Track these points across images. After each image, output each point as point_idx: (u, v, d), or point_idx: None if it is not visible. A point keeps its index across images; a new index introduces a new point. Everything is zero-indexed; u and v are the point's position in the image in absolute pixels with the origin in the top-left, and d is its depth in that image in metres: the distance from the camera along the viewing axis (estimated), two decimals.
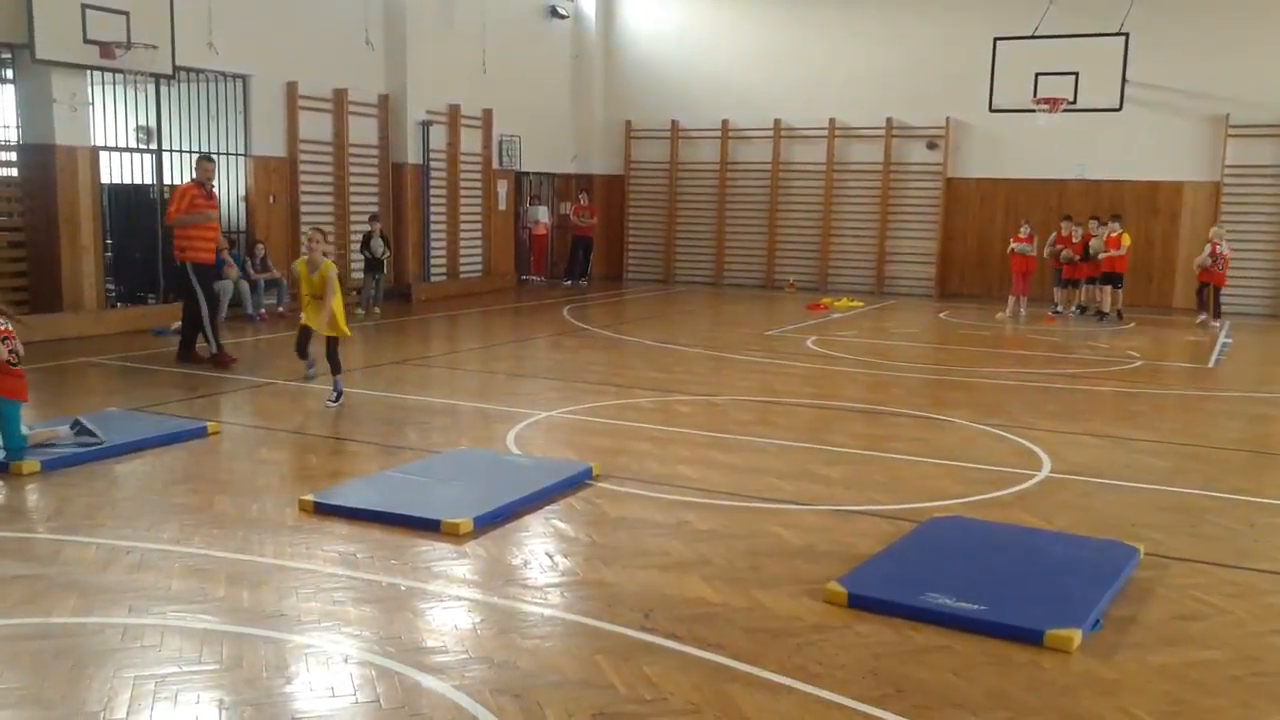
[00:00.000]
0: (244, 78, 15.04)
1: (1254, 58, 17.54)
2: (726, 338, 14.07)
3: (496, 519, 5.83)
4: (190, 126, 14.69)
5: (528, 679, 3.96)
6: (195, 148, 14.31)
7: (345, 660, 4.08)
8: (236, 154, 15.14)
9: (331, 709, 3.69)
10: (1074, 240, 16.67)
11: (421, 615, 4.58)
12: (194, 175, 11.09)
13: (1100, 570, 5.04)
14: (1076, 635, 4.32)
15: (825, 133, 20.46)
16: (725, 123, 21.22)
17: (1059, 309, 17.01)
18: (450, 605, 4.70)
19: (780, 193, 21.07)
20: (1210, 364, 12.56)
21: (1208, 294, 16.31)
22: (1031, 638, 4.34)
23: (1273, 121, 17.57)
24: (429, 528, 5.64)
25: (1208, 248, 16.14)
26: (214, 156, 12.38)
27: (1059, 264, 16.90)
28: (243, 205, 15.25)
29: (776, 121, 20.79)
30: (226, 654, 4.10)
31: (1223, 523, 6.16)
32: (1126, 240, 16.57)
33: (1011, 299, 16.85)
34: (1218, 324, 16.06)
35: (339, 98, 16.44)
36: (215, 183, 11.71)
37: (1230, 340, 14.63)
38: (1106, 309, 16.63)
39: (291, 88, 15.62)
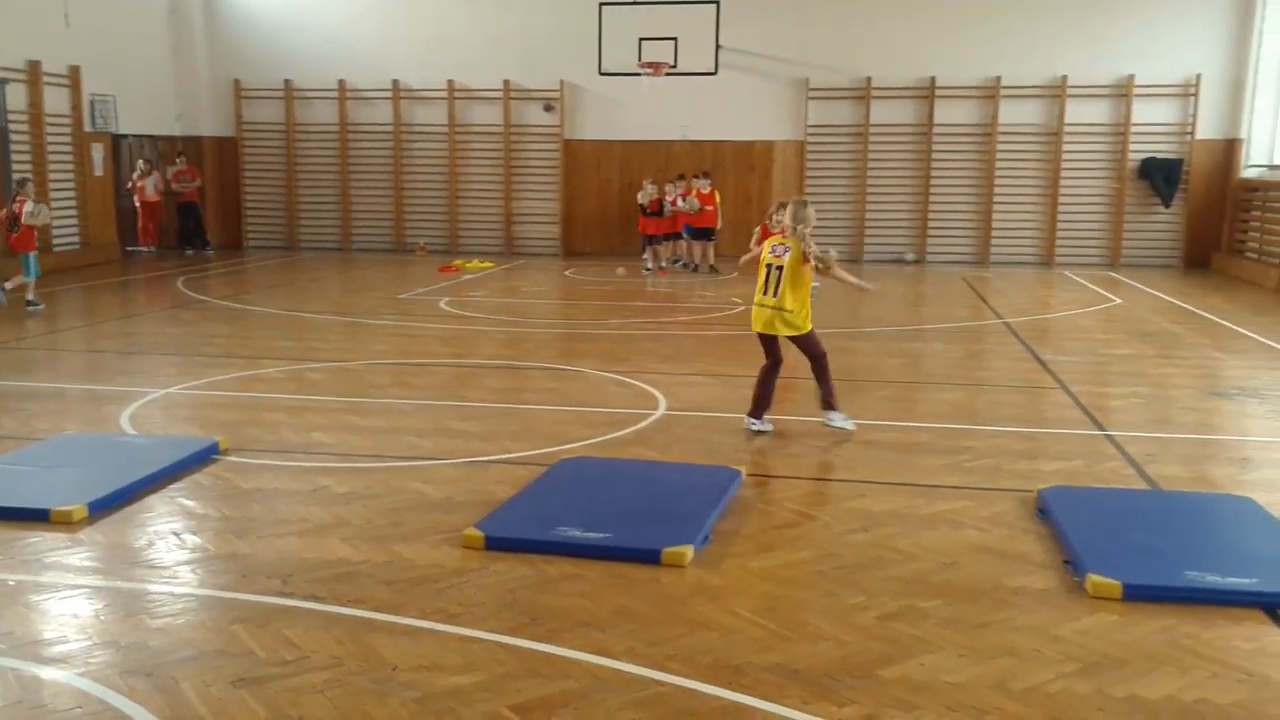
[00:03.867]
0: None
1: (827, 25, 19.44)
2: (358, 303, 13.87)
3: (114, 503, 5.53)
4: None
5: (159, 657, 3.86)
6: None
7: None
8: None
9: None
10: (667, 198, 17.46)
11: (35, 608, 4.31)
12: None
13: (709, 492, 5.59)
14: (688, 551, 4.80)
15: (445, 94, 20.46)
16: (342, 83, 20.68)
17: (663, 264, 17.86)
18: (67, 595, 4.45)
19: (404, 155, 20.88)
20: None
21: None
22: (650, 557, 4.77)
23: (845, 85, 19.61)
24: (37, 518, 5.26)
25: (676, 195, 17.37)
26: None
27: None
28: None
29: (395, 82, 20.54)
30: None
31: (811, 442, 6.98)
32: (717, 197, 17.55)
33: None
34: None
35: None
36: None
37: (818, 284, 16.14)
38: (699, 260, 17.65)
39: None
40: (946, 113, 19.40)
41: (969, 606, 4.41)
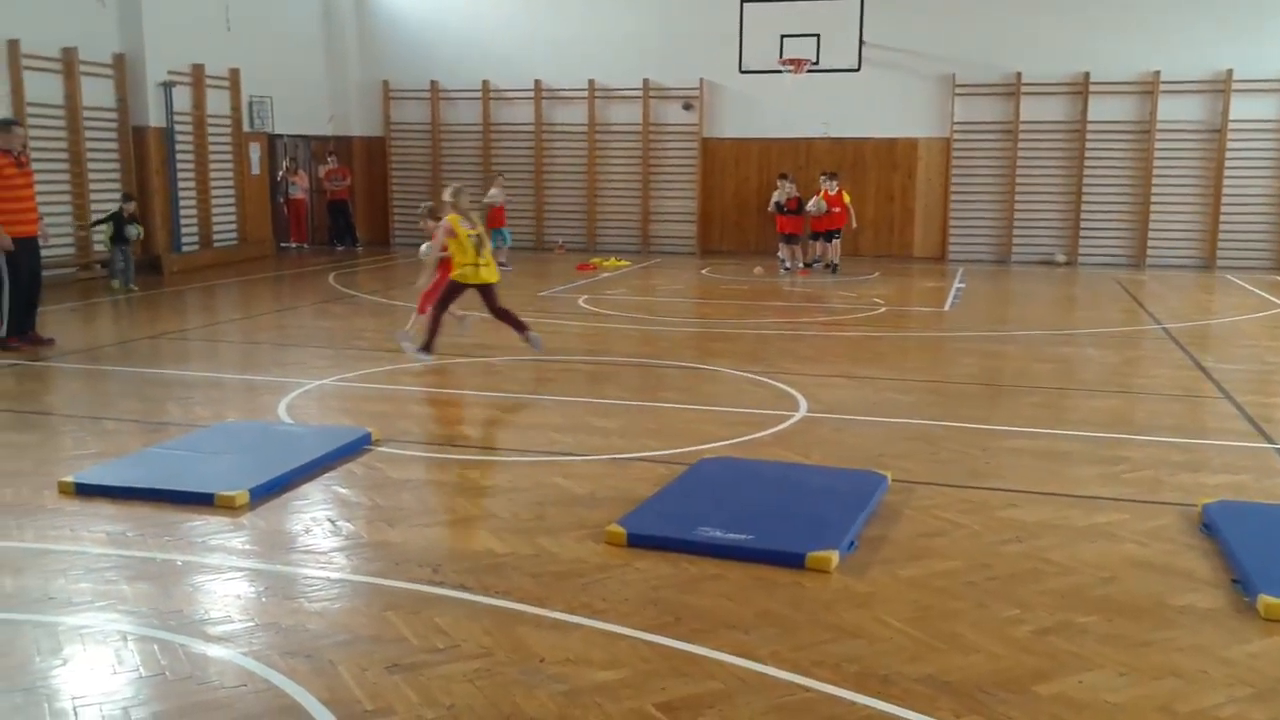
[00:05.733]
0: None
1: (974, 19, 18.95)
2: (500, 299, 14.09)
3: (273, 489, 5.74)
4: None
5: (318, 639, 3.99)
6: None
7: (124, 638, 3.98)
8: None
9: (113, 686, 3.61)
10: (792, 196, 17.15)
11: (201, 588, 4.50)
12: None
13: (854, 497, 5.49)
14: (834, 556, 4.72)
15: (585, 94, 20.68)
16: (486, 83, 21.11)
17: (803, 264, 17.69)
18: (231, 576, 4.64)
19: (544, 154, 21.18)
20: (946, 307, 13.63)
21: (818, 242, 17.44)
22: (794, 561, 4.71)
23: (993, 80, 19.07)
24: (202, 502, 5.50)
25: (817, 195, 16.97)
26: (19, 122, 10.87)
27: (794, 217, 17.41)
28: None
29: (537, 82, 20.85)
30: None
31: (959, 448, 6.79)
32: (846, 197, 17.15)
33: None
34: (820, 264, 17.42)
35: (69, 56, 15.33)
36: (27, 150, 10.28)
37: (964, 285, 15.90)
38: (838, 260, 17.34)
39: (13, 45, 14.45)
40: (1101, 109, 18.69)
41: (1130, 624, 4.22)
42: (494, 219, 16.98)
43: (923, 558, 4.89)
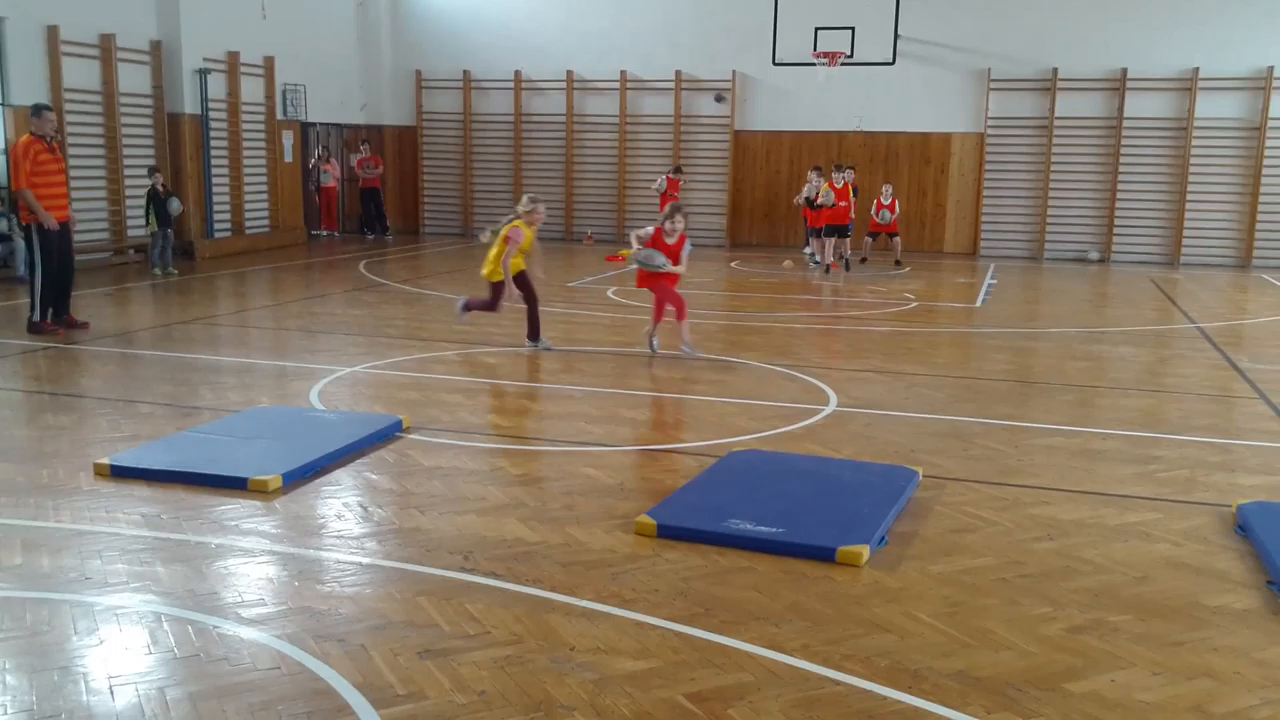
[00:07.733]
0: None
1: (1012, 14, 18.80)
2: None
3: (305, 474, 5.79)
4: None
5: (351, 624, 4.02)
6: None
7: (159, 619, 4.02)
8: None
9: (149, 665, 3.65)
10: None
11: (235, 571, 4.54)
12: (31, 129, 9.81)
13: (884, 492, 5.47)
14: (865, 551, 4.71)
15: (617, 85, 20.66)
16: (518, 74, 21.13)
17: (833, 258, 17.28)
18: (264, 560, 4.68)
19: (575, 145, 21.19)
20: (978, 303, 13.54)
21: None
22: (825, 555, 4.70)
23: (1029, 76, 18.91)
24: (235, 486, 5.55)
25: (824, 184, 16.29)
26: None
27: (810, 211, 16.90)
28: (1, 159, 14.19)
29: (569, 73, 20.85)
30: (31, 620, 3.98)
31: (990, 445, 6.75)
32: (852, 192, 16.44)
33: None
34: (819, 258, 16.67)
35: (106, 43, 15.47)
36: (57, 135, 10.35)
37: (995, 281, 15.79)
38: (847, 254, 16.63)
39: (52, 32, 14.59)
40: (1138, 105, 18.51)
41: (1163, 623, 4.19)
42: (828, 217, 16.37)
43: (954, 554, 4.87)
